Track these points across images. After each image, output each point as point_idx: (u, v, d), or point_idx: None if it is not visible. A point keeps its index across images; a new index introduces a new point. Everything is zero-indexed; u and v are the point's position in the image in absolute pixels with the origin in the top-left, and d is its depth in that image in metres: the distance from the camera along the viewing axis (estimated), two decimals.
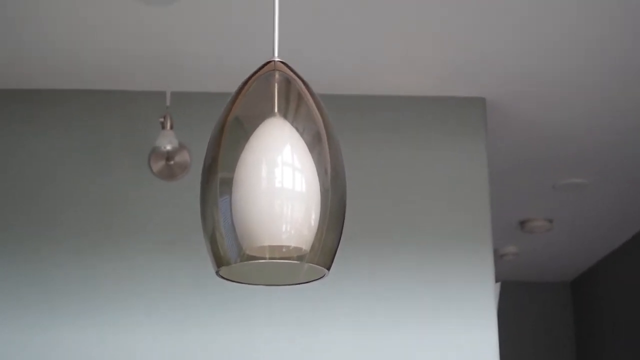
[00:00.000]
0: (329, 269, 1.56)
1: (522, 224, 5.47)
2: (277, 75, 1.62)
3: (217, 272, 1.57)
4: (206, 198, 1.58)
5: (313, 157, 1.55)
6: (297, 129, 1.56)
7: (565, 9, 3.26)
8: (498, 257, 5.90)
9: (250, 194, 1.52)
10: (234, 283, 1.64)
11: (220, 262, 1.55)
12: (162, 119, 3.45)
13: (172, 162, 3.65)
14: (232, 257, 1.54)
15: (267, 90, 1.62)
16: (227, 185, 1.54)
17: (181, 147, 3.56)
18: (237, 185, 1.53)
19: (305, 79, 1.63)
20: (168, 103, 3.47)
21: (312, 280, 1.61)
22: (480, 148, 3.79)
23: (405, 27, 3.37)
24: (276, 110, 1.58)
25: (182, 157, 3.65)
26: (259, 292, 3.50)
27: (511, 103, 3.92)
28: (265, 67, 1.63)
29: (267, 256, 1.55)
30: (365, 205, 3.66)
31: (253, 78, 1.63)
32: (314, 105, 1.60)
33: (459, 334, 3.59)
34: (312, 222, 1.53)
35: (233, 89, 3.64)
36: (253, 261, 1.55)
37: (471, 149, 3.79)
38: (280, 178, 1.53)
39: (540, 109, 4.01)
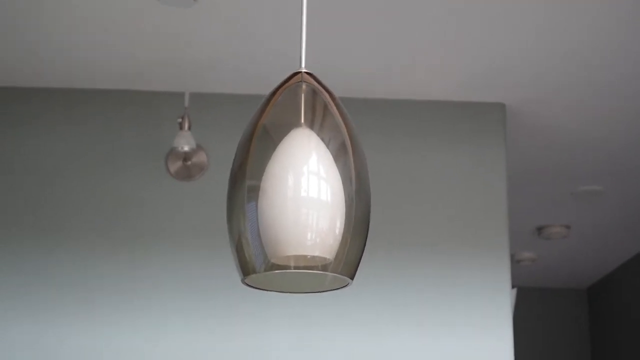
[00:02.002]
0: (352, 278, 1.56)
1: (540, 230, 5.44)
2: (304, 87, 1.64)
3: (242, 280, 1.57)
4: (233, 205, 1.58)
5: (338, 167, 1.56)
6: (323, 139, 1.58)
7: (584, 16, 3.25)
8: (514, 263, 5.88)
9: (276, 203, 1.52)
10: (255, 290, 1.64)
11: (246, 270, 1.56)
12: (180, 120, 3.44)
13: (189, 163, 3.63)
14: (258, 265, 1.54)
15: (294, 101, 1.64)
16: (254, 192, 1.54)
17: (198, 148, 3.55)
18: (264, 194, 1.54)
19: (331, 89, 1.64)
20: (186, 104, 3.45)
21: (336, 289, 1.62)
22: (500, 154, 3.77)
23: (426, 33, 3.37)
24: (302, 120, 1.59)
25: (200, 158, 3.64)
26: (274, 298, 3.48)
27: (530, 109, 3.90)
28: (293, 79, 1.65)
29: (292, 265, 1.56)
30: (382, 210, 3.63)
31: (282, 89, 1.65)
32: (339, 116, 1.62)
33: (475, 339, 3.58)
34: (337, 232, 1.54)
35: (251, 91, 3.70)
36: (279, 271, 1.56)
37: (491, 155, 3.77)
38: (306, 187, 1.53)
39: (559, 115, 3.99)
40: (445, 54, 3.51)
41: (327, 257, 1.53)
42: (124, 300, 3.54)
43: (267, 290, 1.64)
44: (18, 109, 3.73)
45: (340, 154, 1.57)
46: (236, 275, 3.46)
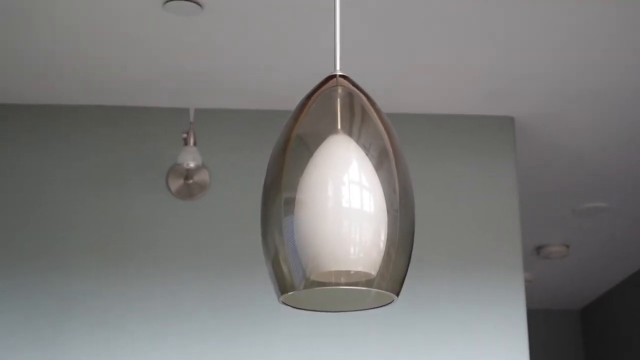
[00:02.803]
0: (398, 294, 1.47)
1: (539, 249, 5.36)
2: (340, 90, 1.55)
3: (279, 299, 1.47)
4: (268, 219, 1.49)
5: (381, 175, 1.47)
6: (364, 146, 1.49)
7: (595, 34, 3.23)
8: None
9: (316, 215, 1.43)
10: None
11: (284, 288, 1.46)
12: (185, 135, 3.33)
13: (190, 182, 3.53)
14: (297, 282, 1.45)
15: (329, 106, 1.55)
16: (291, 205, 1.45)
17: (201, 166, 3.43)
18: (302, 206, 1.44)
19: (369, 93, 1.56)
20: (192, 119, 3.36)
21: (380, 307, 1.52)
22: (510, 169, 3.72)
23: (436, 47, 3.32)
24: (339, 126, 1.50)
25: (201, 176, 3.54)
26: (282, 316, 3.38)
27: (538, 123, 3.85)
28: (328, 83, 1.56)
29: (334, 281, 1.46)
30: None
31: (316, 94, 1.55)
32: (379, 121, 1.53)
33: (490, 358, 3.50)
34: (382, 245, 1.44)
35: (256, 106, 3.60)
36: (319, 288, 1.46)
37: (501, 170, 3.72)
38: (348, 198, 1.44)
39: (566, 130, 3.95)
40: (454, 67, 3.47)
41: (371, 272, 1.44)
42: (124, 321, 3.43)
43: (305, 309, 1.54)
44: (15, 126, 3.64)
45: (382, 161, 1.48)
46: (235, 295, 3.40)
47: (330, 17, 2.99)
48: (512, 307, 3.58)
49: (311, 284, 1.44)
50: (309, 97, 1.54)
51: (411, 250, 1.48)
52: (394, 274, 1.46)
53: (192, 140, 3.31)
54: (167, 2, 2.96)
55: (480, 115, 3.76)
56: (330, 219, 1.42)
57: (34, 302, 3.43)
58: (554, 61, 3.43)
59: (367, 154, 1.47)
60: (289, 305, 1.50)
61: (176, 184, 3.54)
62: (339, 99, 1.54)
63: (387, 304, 1.50)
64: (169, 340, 3.43)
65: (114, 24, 3.12)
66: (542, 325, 6.72)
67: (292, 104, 3.64)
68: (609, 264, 5.73)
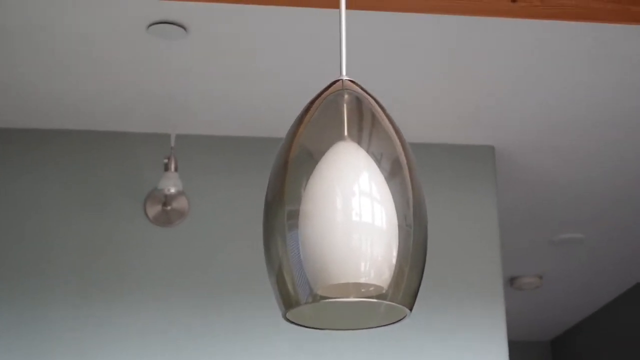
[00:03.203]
0: (411, 309, 1.38)
1: (512, 280, 5.33)
2: (346, 96, 1.46)
3: (284, 315, 1.39)
4: (271, 233, 1.40)
5: (394, 186, 1.38)
6: (374, 155, 1.40)
7: (575, 66, 3.24)
8: None
9: (324, 228, 1.35)
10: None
11: (289, 303, 1.37)
12: (166, 160, 3.27)
13: (169, 208, 3.47)
14: (303, 297, 1.36)
15: (335, 112, 1.46)
16: (295, 218, 1.36)
17: (179, 193, 3.37)
18: (308, 219, 1.36)
19: (378, 98, 1.47)
20: (172, 144, 3.29)
21: (392, 323, 1.44)
22: (491, 198, 3.70)
23: (417, 76, 3.30)
24: (346, 133, 1.41)
25: (180, 203, 3.48)
26: (266, 341, 3.33)
27: (518, 154, 3.84)
28: (333, 86, 1.47)
29: (343, 296, 1.38)
30: None
31: (320, 99, 1.46)
32: (390, 127, 1.44)
33: None
34: (393, 261, 1.36)
35: (238, 133, 3.56)
36: (327, 301, 1.38)
37: (481, 199, 3.70)
38: (358, 210, 1.35)
39: (545, 161, 3.94)
40: (435, 96, 3.45)
41: (383, 287, 1.35)
42: (101, 347, 3.36)
43: (313, 328, 1.45)
44: None
45: (395, 171, 1.40)
46: (210, 324, 3.34)
47: (316, 44, 2.98)
48: (493, 338, 3.55)
49: (318, 299, 1.36)
50: (313, 102, 1.46)
51: (424, 265, 1.40)
52: (407, 288, 1.38)
53: (173, 166, 3.25)
54: (151, 25, 2.92)
55: (460, 145, 3.74)
56: (340, 231, 1.34)
57: (10, 327, 3.35)
58: (535, 91, 3.42)
59: (378, 163, 1.39)
60: (294, 323, 1.41)
61: (154, 210, 3.48)
62: (345, 104, 1.45)
63: (398, 321, 1.43)
64: None
65: (96, 47, 3.07)
66: (512, 357, 6.69)
67: (276, 131, 3.62)
68: (580, 296, 5.73)
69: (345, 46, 1.51)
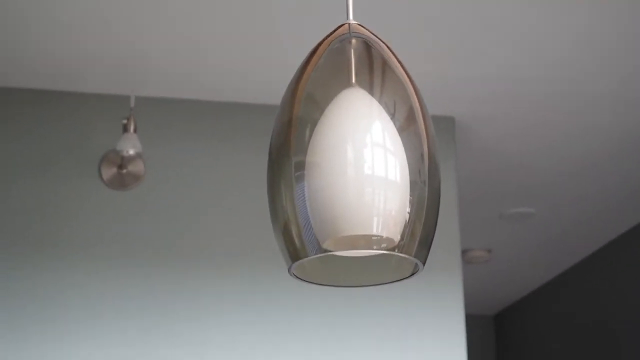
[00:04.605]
0: (424, 263, 1.34)
1: (463, 253, 5.33)
2: (353, 41, 1.38)
3: (289, 270, 1.32)
4: (276, 185, 1.33)
5: (407, 138, 1.31)
6: (386, 104, 1.32)
7: (535, 39, 3.24)
8: None
9: (333, 180, 1.28)
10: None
11: (295, 256, 1.30)
12: (125, 121, 3.19)
13: (124, 171, 3.39)
14: (309, 251, 1.29)
15: (341, 57, 1.38)
16: (302, 169, 1.30)
17: (136, 155, 3.30)
18: (316, 169, 1.29)
19: (389, 44, 1.39)
20: (132, 104, 3.21)
21: (404, 279, 1.39)
22: (450, 170, 3.66)
23: None
24: (354, 80, 1.33)
25: (136, 166, 3.40)
26: (214, 309, 3.28)
27: (477, 126, 3.82)
28: (339, 30, 1.39)
29: (353, 248, 1.32)
30: None
31: (326, 42, 1.38)
32: (404, 74, 1.37)
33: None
34: (407, 216, 1.30)
35: (194, 96, 3.49)
36: (337, 253, 1.32)
37: (441, 171, 3.64)
38: (370, 162, 1.28)
39: (501, 134, 3.94)
40: None
41: (395, 239, 1.29)
42: (53, 314, 3.27)
43: (315, 283, 1.39)
44: None
45: (409, 121, 1.34)
46: (163, 290, 3.27)
47: (273, 5, 2.92)
48: (451, 312, 3.53)
49: (325, 252, 1.30)
50: (317, 47, 1.38)
51: (436, 221, 1.34)
52: (421, 242, 1.32)
53: (132, 127, 3.17)
54: None
55: None
56: (351, 184, 1.27)
57: None
58: (495, 63, 3.41)
59: (392, 112, 1.32)
60: (300, 279, 1.35)
61: (109, 173, 3.40)
62: (352, 49, 1.37)
63: (409, 277, 1.38)
64: (91, 332, 3.28)
65: (53, 4, 2.97)
66: None
67: (239, 96, 3.55)
68: (526, 271, 5.76)
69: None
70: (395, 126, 1.30)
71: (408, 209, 1.29)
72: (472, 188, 4.41)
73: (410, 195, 1.29)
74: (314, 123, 1.30)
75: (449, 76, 3.48)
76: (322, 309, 3.38)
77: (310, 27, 2.93)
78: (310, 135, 1.30)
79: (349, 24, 1.39)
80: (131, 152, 3.15)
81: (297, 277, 1.34)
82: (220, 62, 3.33)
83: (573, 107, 3.72)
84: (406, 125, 1.32)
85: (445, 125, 3.70)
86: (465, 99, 3.63)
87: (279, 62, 3.26)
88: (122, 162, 3.36)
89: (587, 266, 5.44)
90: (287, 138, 1.32)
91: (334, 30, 1.39)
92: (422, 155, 1.32)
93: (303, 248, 1.29)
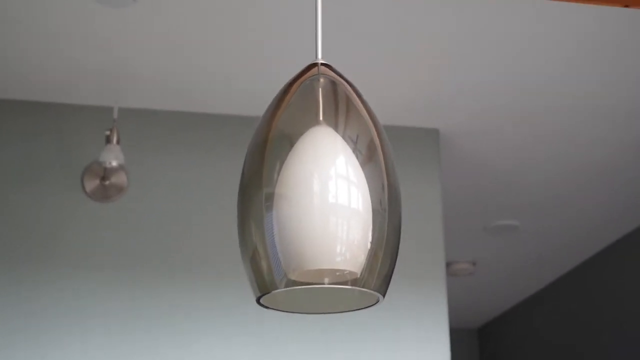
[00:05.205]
0: (384, 295, 1.39)
1: (447, 266, 5.32)
2: (321, 79, 1.46)
3: (258, 300, 1.38)
4: (246, 216, 1.39)
5: (369, 170, 1.38)
6: (350, 138, 1.40)
7: (521, 53, 3.25)
8: None
9: (300, 211, 1.34)
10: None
11: (263, 288, 1.36)
12: (108, 132, 3.18)
13: (107, 183, 3.37)
14: (277, 282, 1.35)
15: (311, 97, 1.46)
16: (271, 201, 1.36)
17: (120, 166, 3.28)
18: (284, 202, 1.35)
19: (353, 83, 1.49)
20: (115, 116, 3.20)
21: (364, 308, 1.44)
22: (435, 182, 3.69)
23: (362, 57, 3.26)
24: (321, 117, 1.41)
25: (119, 178, 3.39)
26: (202, 319, 3.26)
27: (461, 138, 3.83)
28: (310, 72, 1.48)
29: (318, 281, 1.37)
30: None
31: (297, 83, 1.46)
32: (365, 111, 1.45)
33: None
34: (368, 245, 1.36)
35: (181, 107, 3.48)
36: (302, 287, 1.37)
37: (425, 183, 3.69)
38: (335, 193, 1.35)
39: (486, 147, 3.95)
40: (380, 78, 3.42)
41: (356, 272, 1.35)
42: (33, 326, 3.25)
43: (283, 311, 1.45)
44: None
45: (370, 154, 1.40)
46: (146, 303, 3.25)
47: (258, 18, 2.91)
48: (435, 325, 3.53)
49: (292, 284, 1.35)
50: (289, 86, 1.45)
51: (397, 250, 1.40)
52: (380, 273, 1.38)
53: (115, 139, 3.16)
54: None
55: (405, 127, 3.70)
56: (316, 215, 1.33)
57: None
58: (480, 77, 3.41)
59: (353, 148, 1.39)
60: (268, 307, 1.40)
61: (92, 184, 3.38)
62: (320, 89, 1.45)
63: (371, 305, 1.43)
64: (77, 347, 3.26)
65: (39, 16, 2.96)
66: None
67: (220, 108, 3.54)
68: (510, 284, 5.76)
69: (321, 29, 1.53)
70: (358, 159, 1.37)
71: (370, 238, 1.35)
72: (457, 200, 4.41)
73: (372, 223, 1.35)
74: (284, 157, 1.37)
75: (433, 89, 3.48)
76: (305, 322, 3.37)
77: (295, 41, 2.93)
78: (279, 169, 1.36)
79: (318, 65, 1.47)
80: (114, 163, 3.14)
81: (265, 306, 1.40)
82: (204, 74, 3.32)
83: (560, 122, 3.72)
84: (368, 158, 1.39)
85: (429, 138, 3.70)
86: (450, 111, 3.64)
87: (263, 74, 3.25)
88: (104, 174, 3.35)
89: (571, 279, 5.45)
90: (258, 170, 1.39)
91: (305, 70, 1.46)
92: (382, 185, 1.38)
93: (270, 278, 1.35)
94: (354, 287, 1.36)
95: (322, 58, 1.48)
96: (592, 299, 5.27)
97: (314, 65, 1.47)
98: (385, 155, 1.41)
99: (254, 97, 3.23)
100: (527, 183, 4.26)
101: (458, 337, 6.75)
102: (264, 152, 1.40)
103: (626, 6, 2.18)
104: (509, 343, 6.36)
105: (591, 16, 3.03)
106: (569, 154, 3.97)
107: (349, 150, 1.38)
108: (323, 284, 1.37)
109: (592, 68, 3.35)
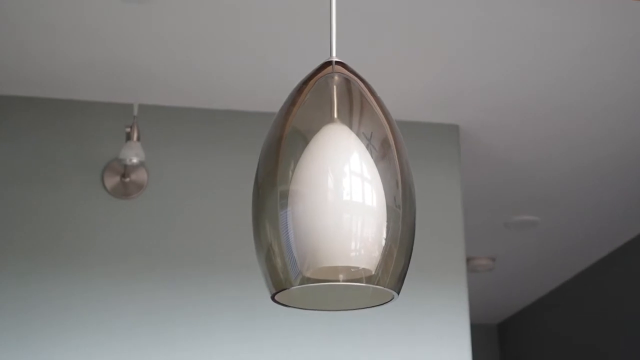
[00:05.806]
0: (398, 292, 1.40)
1: (467, 261, 5.31)
2: (336, 77, 1.48)
3: (272, 297, 1.39)
4: (261, 213, 1.41)
5: (383, 167, 1.40)
6: (364, 135, 1.41)
7: (539, 44, 3.23)
8: None
9: (314, 209, 1.35)
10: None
11: (278, 284, 1.37)
12: (128, 129, 3.19)
13: (127, 180, 3.39)
14: (292, 279, 1.36)
15: (325, 94, 1.48)
16: (286, 198, 1.37)
17: (141, 163, 3.29)
18: (299, 199, 1.36)
19: (367, 81, 1.49)
20: (135, 113, 3.21)
21: (378, 305, 1.45)
22: (455, 178, 3.69)
23: (381, 53, 3.26)
24: (336, 115, 1.43)
25: (139, 175, 3.40)
26: (221, 316, 3.27)
27: (481, 133, 3.82)
28: (324, 70, 1.49)
29: (331, 278, 1.38)
30: None
31: (312, 81, 1.47)
32: (379, 108, 1.46)
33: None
34: (383, 242, 1.37)
35: (201, 104, 3.49)
36: (317, 284, 1.38)
37: (445, 178, 3.69)
38: (349, 190, 1.36)
39: (506, 142, 3.94)
40: (399, 73, 3.42)
41: (371, 269, 1.36)
42: (57, 323, 3.27)
43: (299, 308, 1.46)
44: None
45: (384, 151, 1.42)
46: (169, 299, 3.26)
47: (278, 16, 2.92)
48: (456, 321, 3.53)
49: (307, 281, 1.36)
50: (304, 84, 1.47)
51: (412, 247, 1.41)
52: (395, 271, 1.38)
53: (135, 136, 3.17)
54: None
55: (425, 123, 3.71)
56: (331, 212, 1.34)
57: None
58: (500, 72, 3.41)
59: (367, 145, 1.40)
60: (282, 304, 1.42)
61: (112, 181, 3.40)
62: (335, 87, 1.46)
63: (385, 303, 1.44)
64: (100, 343, 3.28)
65: (56, 12, 2.97)
66: None
67: (240, 104, 3.55)
68: (530, 280, 5.75)
69: (335, 27, 1.53)
70: (372, 156, 1.38)
71: (384, 235, 1.36)
72: (477, 196, 4.40)
73: (387, 220, 1.36)
74: (299, 155, 1.38)
75: (453, 85, 3.48)
76: (326, 317, 3.37)
77: (314, 38, 2.93)
78: (294, 167, 1.37)
79: (332, 63, 1.48)
80: (134, 160, 3.16)
81: (279, 303, 1.41)
82: (225, 71, 3.33)
83: (579, 117, 3.72)
84: (382, 155, 1.40)
85: (449, 133, 3.70)
86: (470, 107, 3.63)
87: (284, 71, 3.26)
88: (125, 171, 3.36)
89: (592, 275, 5.43)
90: (273, 168, 1.40)
91: (319, 69, 1.47)
92: (397, 182, 1.40)
93: (285, 275, 1.36)
94: (368, 285, 1.37)
95: (337, 55, 1.49)
96: (614, 296, 5.25)
97: (329, 63, 1.48)
98: (399, 152, 1.43)
99: (275, 94, 3.23)
100: (547, 178, 4.25)
101: (478, 333, 6.74)
102: (278, 150, 1.41)
103: None
104: (528, 339, 6.35)
105: (615, 11, 3.02)
106: (589, 148, 3.96)
107: (363, 148, 1.39)
108: (338, 281, 1.38)
109: (612, 63, 3.34)
